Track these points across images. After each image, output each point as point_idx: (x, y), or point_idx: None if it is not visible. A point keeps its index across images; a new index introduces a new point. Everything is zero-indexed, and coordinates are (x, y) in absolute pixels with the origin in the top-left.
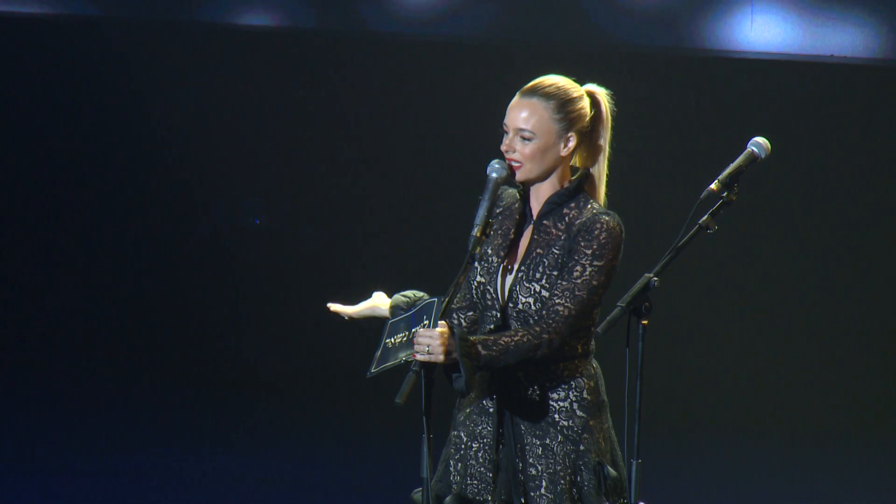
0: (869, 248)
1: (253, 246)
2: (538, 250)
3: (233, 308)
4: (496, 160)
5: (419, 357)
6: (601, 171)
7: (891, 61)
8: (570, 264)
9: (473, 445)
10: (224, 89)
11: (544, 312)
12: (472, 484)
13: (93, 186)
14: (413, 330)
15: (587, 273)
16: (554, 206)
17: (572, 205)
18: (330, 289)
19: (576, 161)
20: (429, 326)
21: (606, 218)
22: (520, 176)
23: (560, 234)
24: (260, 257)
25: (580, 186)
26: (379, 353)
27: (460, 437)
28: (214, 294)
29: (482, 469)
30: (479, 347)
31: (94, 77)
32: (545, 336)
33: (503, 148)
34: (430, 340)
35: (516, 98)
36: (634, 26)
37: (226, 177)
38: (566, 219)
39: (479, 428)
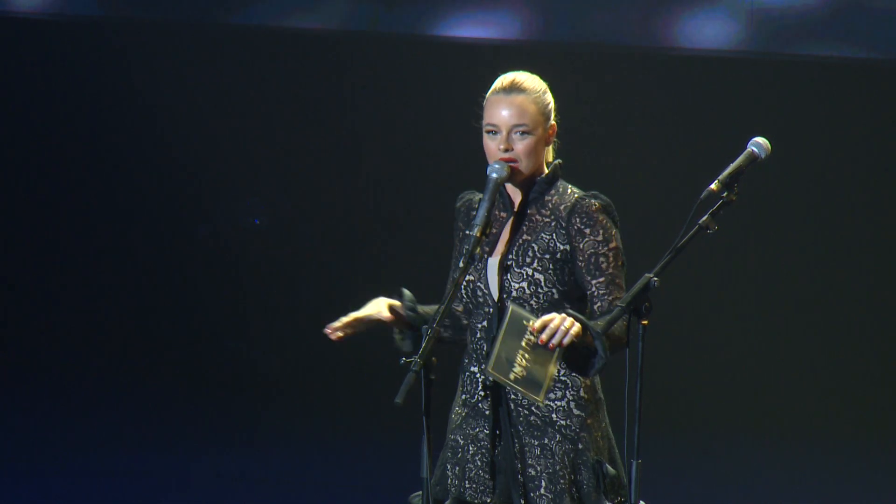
0: (869, 248)
1: (253, 246)
2: (525, 237)
3: (233, 308)
4: (496, 161)
5: (566, 341)
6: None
7: (891, 61)
8: (586, 257)
9: (470, 448)
10: (224, 89)
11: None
12: (470, 487)
13: (93, 187)
14: (523, 342)
15: (611, 259)
16: (537, 195)
17: (552, 192)
18: (330, 289)
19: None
20: (532, 320)
21: (594, 200)
22: (523, 171)
23: (547, 220)
24: (260, 257)
25: (557, 174)
26: (521, 389)
27: (457, 441)
28: (214, 294)
29: (480, 472)
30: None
31: (93, 77)
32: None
33: (502, 147)
34: (561, 323)
35: (499, 97)
36: (635, 26)
37: (226, 177)
38: (549, 205)
39: (476, 431)
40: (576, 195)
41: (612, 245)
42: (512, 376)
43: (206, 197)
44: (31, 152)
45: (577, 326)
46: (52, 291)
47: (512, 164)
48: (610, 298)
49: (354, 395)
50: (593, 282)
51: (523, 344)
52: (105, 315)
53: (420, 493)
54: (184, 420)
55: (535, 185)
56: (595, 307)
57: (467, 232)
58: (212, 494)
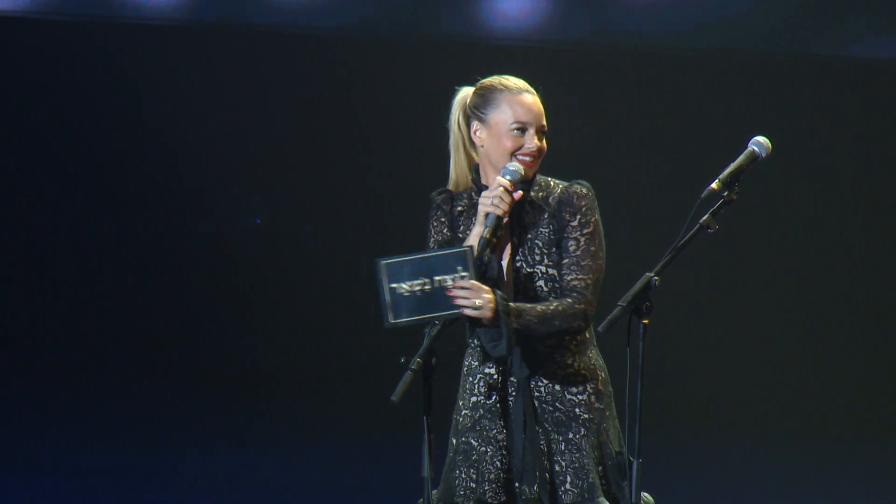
0: (869, 248)
1: (254, 245)
2: (527, 235)
3: (234, 307)
4: (510, 163)
5: (467, 312)
6: None
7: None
8: (562, 243)
9: (488, 450)
10: (225, 90)
11: (567, 292)
12: (489, 490)
13: (94, 186)
14: (438, 278)
15: (583, 243)
16: (527, 193)
17: (536, 187)
18: (330, 289)
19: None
20: (469, 279)
21: (578, 187)
22: (531, 172)
23: (541, 214)
24: (261, 256)
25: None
26: (388, 298)
27: (470, 444)
28: (215, 293)
29: (500, 473)
30: (519, 310)
31: (93, 77)
32: (578, 307)
33: (533, 145)
34: (480, 296)
35: (527, 97)
36: (632, 25)
37: (227, 177)
38: (537, 200)
39: (493, 432)
40: (560, 186)
41: (587, 230)
42: (394, 285)
43: (207, 196)
44: (32, 152)
45: (487, 313)
46: (53, 291)
47: (528, 162)
48: (569, 278)
49: (354, 395)
50: (562, 262)
51: (437, 278)
52: (106, 314)
53: (423, 490)
54: (184, 420)
55: (519, 185)
56: (549, 286)
57: (474, 233)
58: (212, 494)
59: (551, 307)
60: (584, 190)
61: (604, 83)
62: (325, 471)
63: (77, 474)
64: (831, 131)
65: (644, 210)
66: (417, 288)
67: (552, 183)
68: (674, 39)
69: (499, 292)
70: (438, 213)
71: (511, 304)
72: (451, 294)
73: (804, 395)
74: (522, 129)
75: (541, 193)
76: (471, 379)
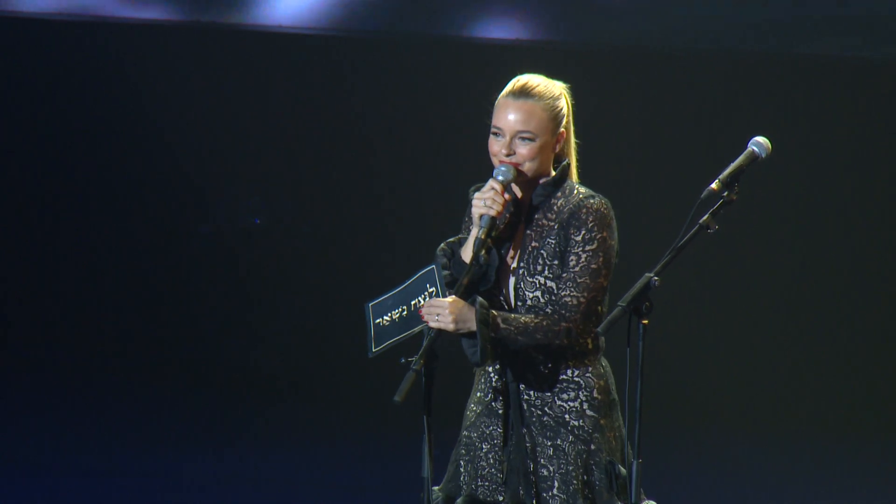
0: (869, 248)
1: (254, 245)
2: (533, 243)
3: (233, 308)
4: (503, 164)
5: (431, 323)
6: (572, 160)
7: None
8: (565, 256)
9: (483, 446)
10: (225, 90)
11: (558, 307)
12: (482, 485)
13: (94, 186)
14: (413, 301)
15: (583, 259)
16: (543, 198)
17: (559, 194)
18: (331, 288)
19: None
20: (436, 294)
21: (592, 201)
22: (524, 177)
23: (552, 223)
24: (261, 257)
25: (564, 176)
26: (372, 333)
27: (470, 438)
28: (215, 294)
29: (492, 470)
30: (499, 320)
31: (94, 77)
32: (564, 324)
33: (504, 151)
34: (440, 309)
35: (508, 100)
36: (631, 25)
37: (227, 177)
38: (555, 208)
39: (489, 429)
40: (580, 196)
41: (590, 247)
42: (378, 321)
43: (207, 196)
44: (33, 152)
45: (448, 325)
46: (54, 291)
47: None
48: (563, 294)
49: (355, 395)
50: (561, 276)
51: (412, 302)
52: (106, 314)
53: (435, 490)
54: (184, 420)
55: (539, 188)
56: (546, 297)
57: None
58: (211, 494)
59: (536, 320)
60: (596, 205)
61: (604, 83)
62: (325, 471)
63: (77, 474)
64: (831, 131)
65: (644, 210)
66: (396, 316)
67: (576, 191)
68: (674, 39)
69: (480, 300)
70: (469, 208)
71: (494, 312)
72: (420, 313)
73: (804, 395)
74: (498, 134)
75: (561, 201)
76: (477, 375)
